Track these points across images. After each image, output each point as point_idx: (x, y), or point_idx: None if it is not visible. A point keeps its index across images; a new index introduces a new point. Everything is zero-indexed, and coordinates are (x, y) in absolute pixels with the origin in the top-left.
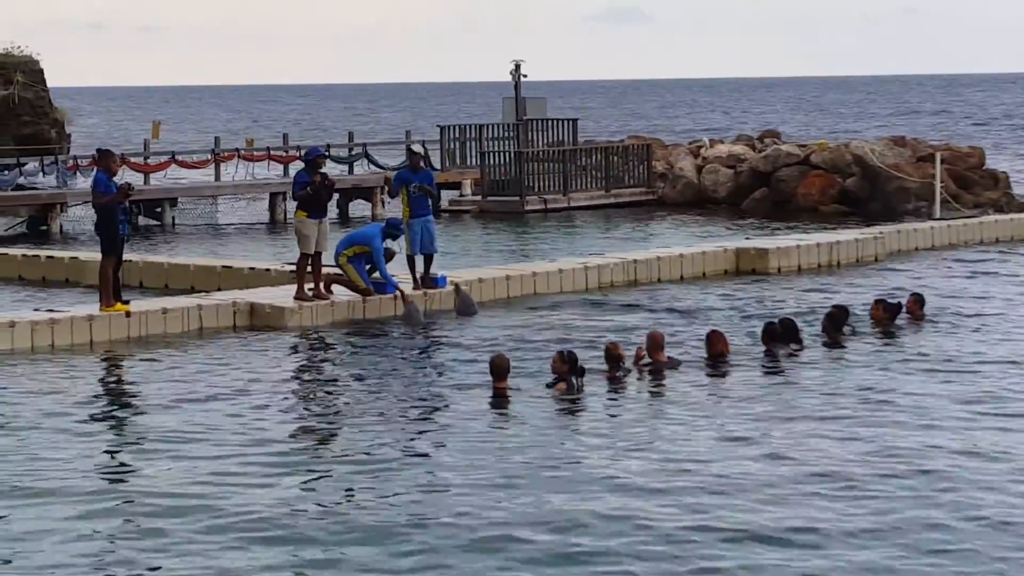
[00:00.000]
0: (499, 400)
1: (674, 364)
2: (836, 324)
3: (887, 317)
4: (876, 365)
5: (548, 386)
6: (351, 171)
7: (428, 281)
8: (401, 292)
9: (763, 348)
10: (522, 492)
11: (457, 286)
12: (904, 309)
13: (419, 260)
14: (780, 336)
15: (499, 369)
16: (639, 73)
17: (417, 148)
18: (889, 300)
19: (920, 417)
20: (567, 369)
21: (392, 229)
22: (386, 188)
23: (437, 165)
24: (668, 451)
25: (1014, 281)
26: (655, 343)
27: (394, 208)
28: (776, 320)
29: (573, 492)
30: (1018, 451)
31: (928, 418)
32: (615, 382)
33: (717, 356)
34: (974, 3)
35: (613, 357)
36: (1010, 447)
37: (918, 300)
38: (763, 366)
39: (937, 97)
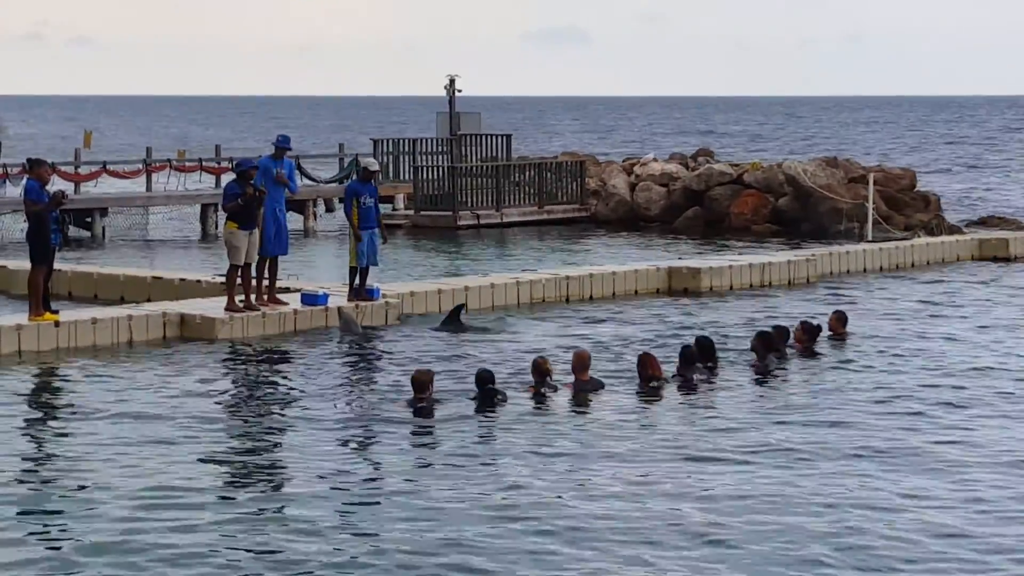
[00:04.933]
0: (420, 413)
1: (597, 385)
2: (766, 345)
3: (807, 339)
4: (793, 390)
5: (472, 399)
6: None
7: (363, 293)
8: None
9: (676, 372)
10: (438, 511)
11: (339, 308)
12: (827, 327)
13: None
14: (696, 357)
15: (419, 383)
16: (576, 91)
17: (373, 164)
18: (811, 321)
19: (821, 453)
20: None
21: (279, 144)
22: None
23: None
24: (569, 474)
25: (943, 306)
26: (581, 362)
27: (327, 221)
28: (691, 343)
29: (479, 507)
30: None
31: (830, 453)
32: (540, 398)
33: (649, 379)
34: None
35: (541, 371)
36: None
37: (840, 318)
38: (679, 390)
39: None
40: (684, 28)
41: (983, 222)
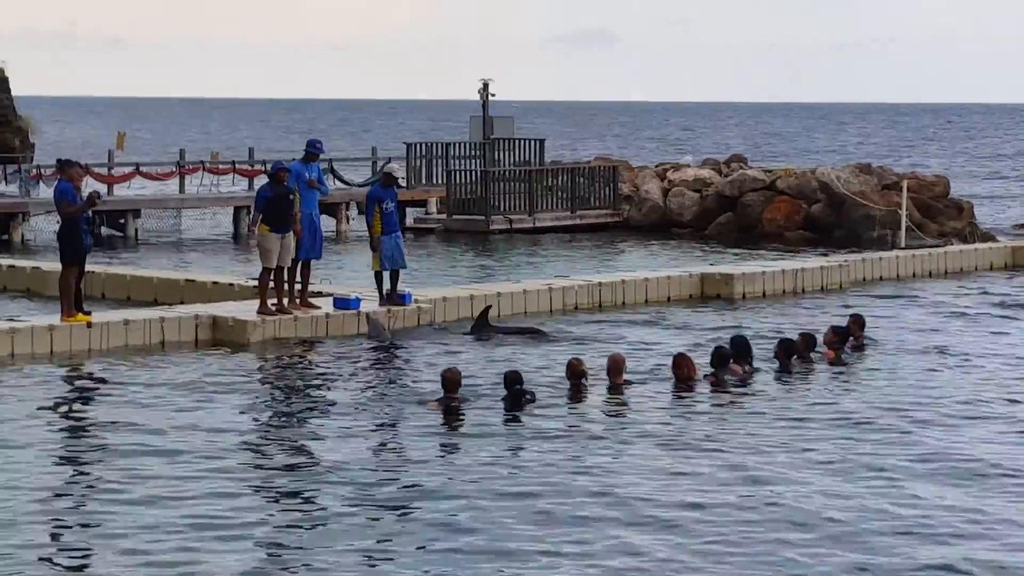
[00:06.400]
0: (451, 411)
1: (631, 387)
2: (788, 352)
3: (838, 341)
4: (821, 389)
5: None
6: None
7: (395, 298)
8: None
9: (710, 372)
10: (472, 508)
11: (367, 315)
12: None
13: (386, 276)
14: (730, 356)
15: (450, 382)
16: (606, 95)
17: (398, 171)
18: (840, 325)
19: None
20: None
21: (310, 148)
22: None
23: (402, 183)
24: (600, 473)
25: (972, 314)
26: (615, 366)
27: (359, 224)
28: (725, 344)
29: (518, 505)
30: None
31: (850, 446)
32: (575, 399)
33: (684, 379)
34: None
35: (576, 373)
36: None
37: (858, 321)
38: (711, 390)
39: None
40: (712, 32)
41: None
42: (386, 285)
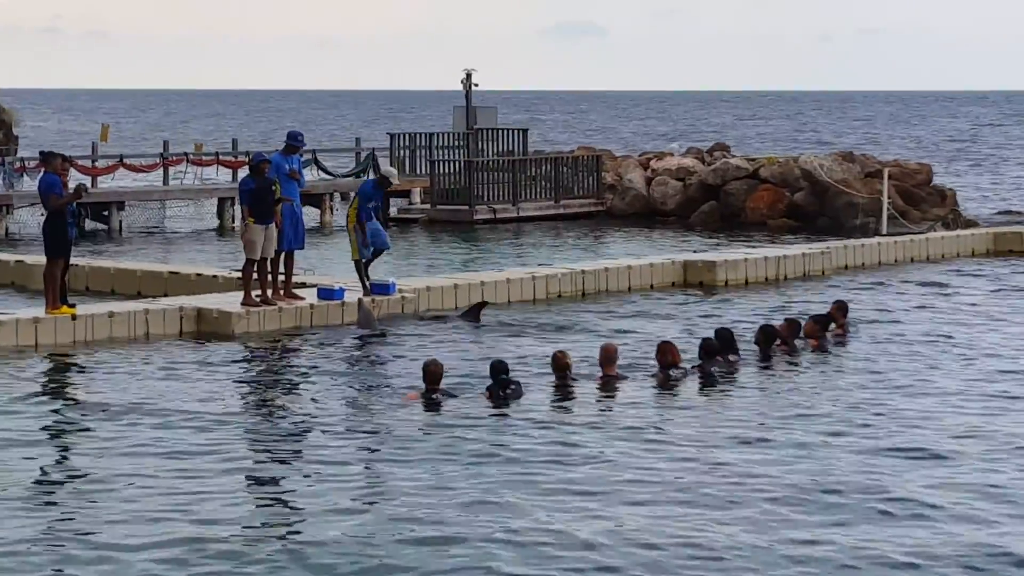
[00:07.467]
0: (432, 404)
1: (623, 380)
2: (768, 338)
3: (819, 329)
4: (806, 379)
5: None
6: None
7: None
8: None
9: (698, 363)
10: (456, 497)
11: (360, 300)
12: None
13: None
14: (717, 349)
15: (432, 375)
16: (591, 85)
17: (394, 176)
18: (819, 314)
19: (837, 430)
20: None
21: (291, 140)
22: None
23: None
24: (582, 466)
25: (954, 300)
26: (608, 356)
27: (344, 215)
28: (711, 335)
29: (502, 496)
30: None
31: (839, 431)
32: (560, 392)
33: (668, 367)
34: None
35: (560, 366)
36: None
37: (841, 308)
38: (699, 382)
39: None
40: (701, 22)
41: (1008, 214)
42: (372, 277)
